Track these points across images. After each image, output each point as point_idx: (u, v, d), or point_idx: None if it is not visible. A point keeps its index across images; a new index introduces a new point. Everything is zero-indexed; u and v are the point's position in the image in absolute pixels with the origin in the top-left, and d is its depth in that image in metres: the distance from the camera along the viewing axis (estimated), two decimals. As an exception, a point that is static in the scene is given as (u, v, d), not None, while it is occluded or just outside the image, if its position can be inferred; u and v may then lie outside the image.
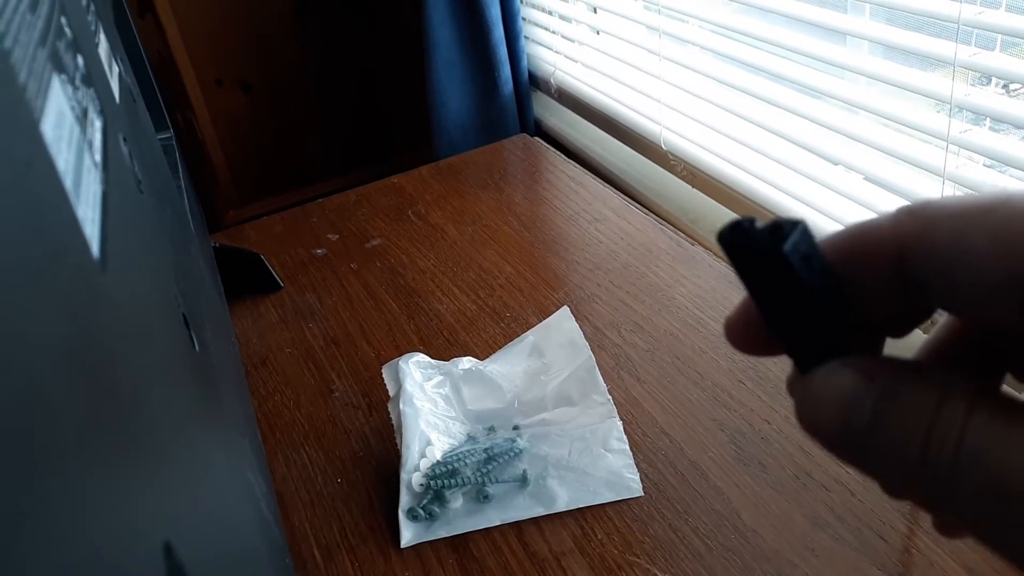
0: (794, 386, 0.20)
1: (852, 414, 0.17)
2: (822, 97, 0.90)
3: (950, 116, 0.74)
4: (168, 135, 0.78)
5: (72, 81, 0.25)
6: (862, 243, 0.19)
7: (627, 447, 0.58)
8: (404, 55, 1.78)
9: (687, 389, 0.64)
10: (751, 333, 0.20)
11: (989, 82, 0.78)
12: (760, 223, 0.18)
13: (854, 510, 0.53)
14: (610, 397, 0.62)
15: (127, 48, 0.70)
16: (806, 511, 0.54)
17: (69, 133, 0.22)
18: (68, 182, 0.20)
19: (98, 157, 0.26)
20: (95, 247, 0.21)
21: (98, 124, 0.28)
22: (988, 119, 0.75)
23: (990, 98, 0.71)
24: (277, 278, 0.85)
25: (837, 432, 0.18)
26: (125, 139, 0.35)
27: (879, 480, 0.18)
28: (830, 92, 0.86)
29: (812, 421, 0.18)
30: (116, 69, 0.43)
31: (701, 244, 0.85)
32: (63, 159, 0.20)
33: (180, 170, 0.72)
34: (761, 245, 0.18)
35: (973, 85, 0.74)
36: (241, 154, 1.84)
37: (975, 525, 0.16)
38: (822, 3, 0.87)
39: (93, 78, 0.31)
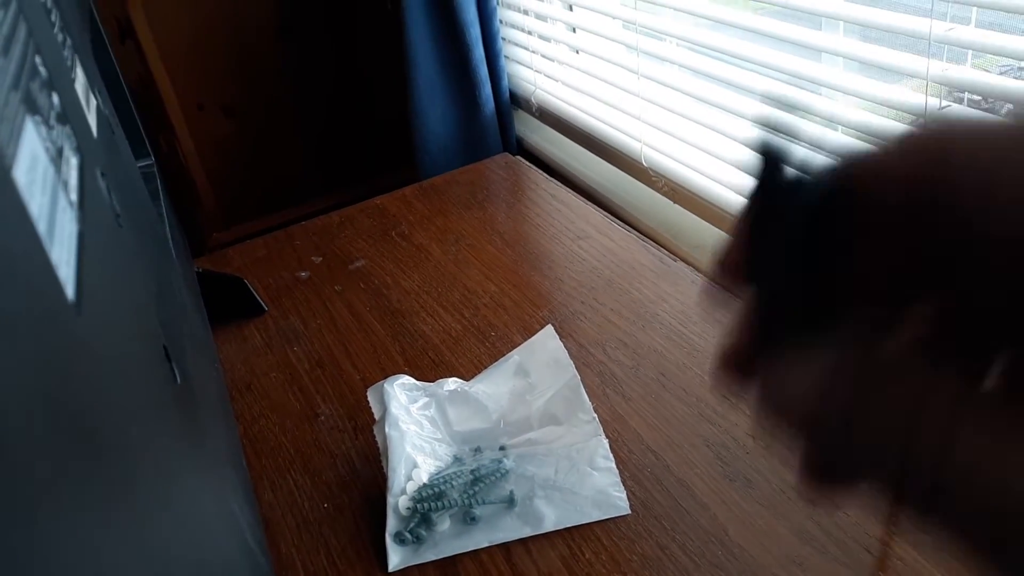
0: (730, 358, 0.20)
1: (828, 401, 0.17)
2: (800, 112, 0.91)
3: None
4: (149, 162, 0.78)
5: (46, 121, 0.26)
6: (874, 174, 0.18)
7: (613, 465, 0.58)
8: (385, 76, 1.78)
9: (672, 405, 0.65)
10: (739, 268, 0.20)
11: (963, 95, 0.79)
12: (790, 168, 0.18)
13: (840, 523, 0.54)
14: (595, 415, 0.62)
15: (106, 76, 0.70)
16: (792, 525, 0.54)
17: (43, 176, 0.22)
18: (42, 227, 0.20)
19: (74, 196, 0.26)
20: (70, 290, 0.21)
21: (74, 162, 0.29)
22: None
23: (963, 111, 0.72)
24: (261, 302, 0.85)
25: (807, 416, 0.17)
26: (103, 174, 0.35)
27: (832, 472, 0.17)
28: (808, 106, 0.87)
29: (780, 397, 0.18)
30: (94, 102, 0.43)
31: (684, 260, 0.85)
32: (36, 203, 0.20)
33: (162, 197, 0.72)
34: (785, 190, 0.18)
35: (946, 99, 0.75)
36: (224, 176, 1.84)
37: (954, 535, 0.16)
38: (797, 19, 0.89)
39: (69, 115, 0.31)
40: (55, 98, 0.29)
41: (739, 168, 0.99)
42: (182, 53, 1.72)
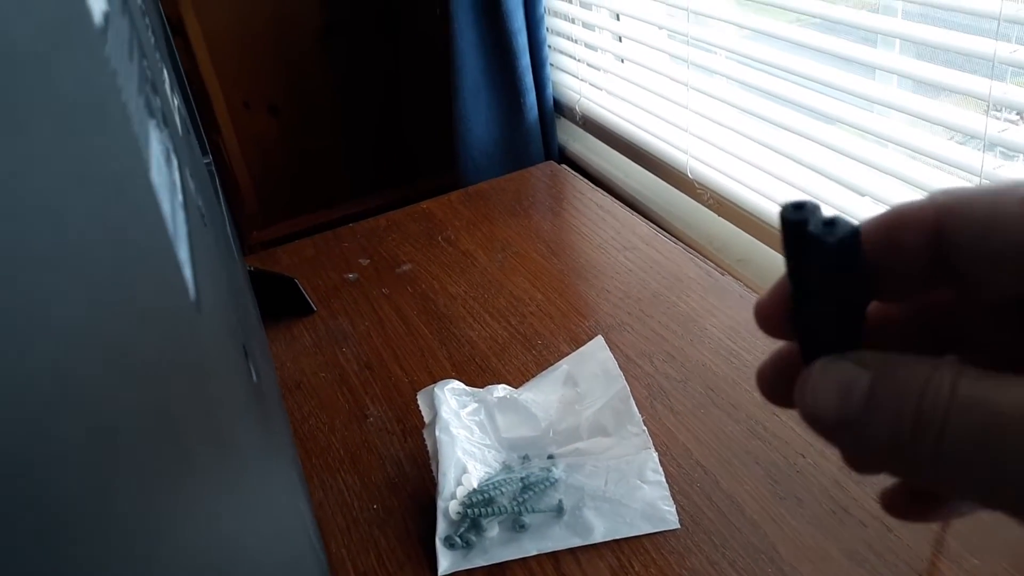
0: (767, 374, 0.22)
1: (848, 396, 0.18)
2: (851, 128, 0.90)
3: (983, 151, 0.74)
4: (208, 160, 0.79)
5: (158, 124, 0.26)
6: (902, 216, 0.20)
7: (663, 479, 0.58)
8: (431, 80, 1.80)
9: (721, 421, 0.65)
10: (776, 316, 0.22)
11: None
12: (821, 213, 0.19)
13: (891, 546, 0.53)
14: (645, 428, 0.62)
15: (174, 69, 0.72)
16: (843, 546, 0.54)
17: (167, 178, 0.23)
18: (171, 227, 0.21)
19: (181, 197, 0.27)
20: (192, 290, 0.21)
21: (176, 163, 0.29)
22: (1022, 155, 0.75)
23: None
24: (311, 302, 0.86)
25: (833, 414, 0.19)
26: (191, 174, 0.36)
27: (867, 457, 0.19)
28: (859, 124, 0.87)
29: (810, 405, 0.19)
30: (175, 103, 0.44)
31: (730, 273, 0.85)
32: (166, 204, 0.21)
33: (219, 195, 0.73)
34: (814, 234, 0.19)
35: (1008, 121, 0.74)
36: (266, 175, 1.86)
37: (966, 477, 0.17)
38: (848, 34, 0.88)
39: (167, 118, 0.32)
40: (158, 101, 0.30)
41: (786, 182, 0.99)
42: (230, 51, 1.75)
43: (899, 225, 0.20)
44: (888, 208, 0.20)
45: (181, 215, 0.25)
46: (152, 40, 0.39)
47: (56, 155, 0.12)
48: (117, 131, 0.17)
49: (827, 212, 0.19)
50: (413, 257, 0.94)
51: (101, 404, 0.12)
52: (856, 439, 0.18)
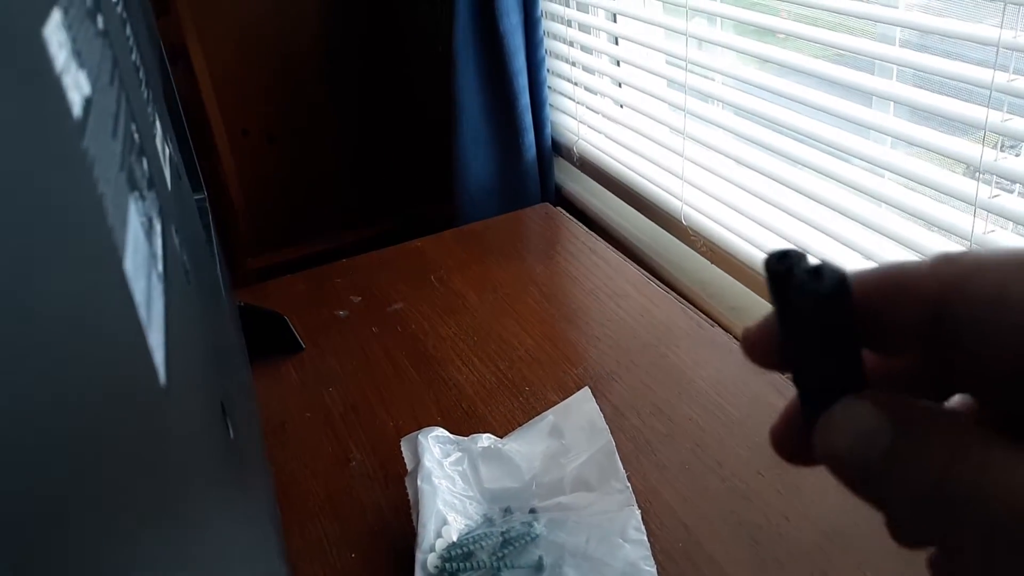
0: (781, 431, 0.22)
1: (872, 445, 0.18)
2: (843, 182, 0.91)
3: (978, 180, 0.74)
4: (202, 196, 0.79)
5: (141, 194, 0.26)
6: (902, 281, 0.20)
7: (645, 537, 0.58)
8: (430, 115, 1.81)
9: (706, 478, 0.64)
10: (766, 350, 0.21)
11: (1021, 148, 0.78)
12: (807, 261, 0.19)
13: (873, 616, 0.53)
14: (628, 484, 0.62)
15: (169, 110, 0.72)
16: (824, 614, 0.53)
17: (143, 258, 0.23)
18: (143, 313, 0.21)
19: (160, 267, 0.27)
20: (162, 374, 0.21)
21: (159, 228, 0.29)
22: (1019, 184, 0.75)
23: (1021, 164, 0.71)
24: (300, 339, 0.85)
25: (856, 460, 0.19)
26: (177, 230, 0.36)
27: (886, 506, 0.19)
28: (852, 180, 0.87)
29: (831, 449, 0.19)
30: (167, 151, 0.44)
31: (719, 323, 0.85)
32: (139, 290, 0.21)
33: (212, 231, 0.73)
34: (800, 282, 0.19)
35: (1003, 150, 0.74)
36: (263, 202, 1.87)
37: (989, 548, 0.17)
38: (846, 62, 0.89)
39: (154, 179, 0.32)
40: (145, 165, 0.30)
41: (778, 233, 0.99)
42: (231, 79, 1.76)
43: (899, 291, 0.20)
44: (887, 266, 0.20)
45: (158, 289, 0.25)
46: (146, 94, 0.39)
47: (23, 260, 0.12)
48: (89, 232, 0.16)
49: (812, 260, 0.19)
50: (405, 296, 0.94)
51: (56, 487, 0.12)
52: (877, 486, 0.18)
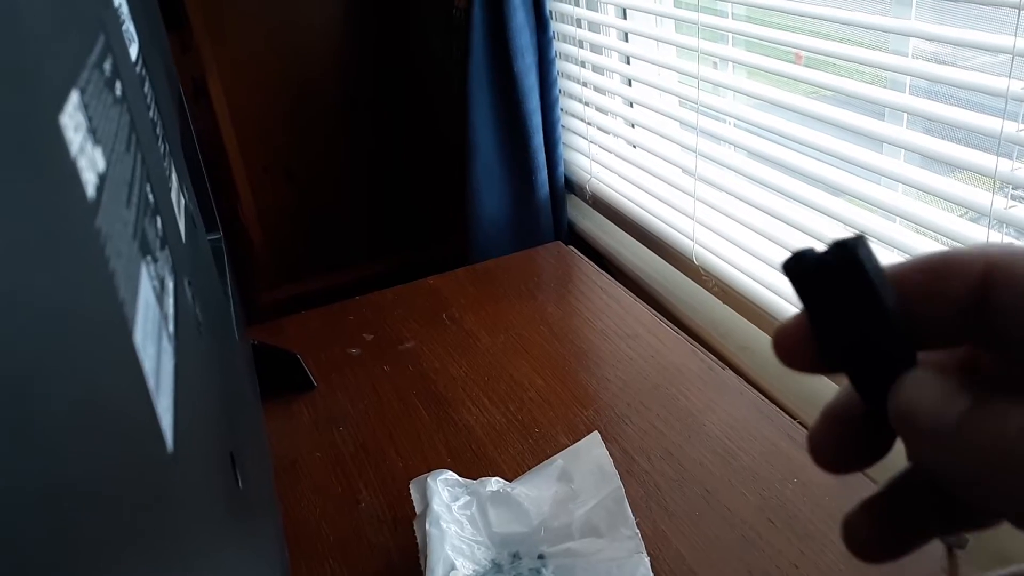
0: (823, 434, 0.21)
1: (950, 403, 0.18)
2: (853, 225, 0.91)
3: (989, 228, 0.73)
4: (217, 236, 0.80)
5: (153, 256, 0.27)
6: (947, 263, 0.19)
7: (653, 586, 0.58)
8: (444, 152, 1.83)
9: (716, 525, 0.64)
10: (803, 348, 0.21)
11: None
12: (818, 250, 0.19)
13: (884, 670, 0.52)
14: (638, 531, 0.61)
15: (186, 151, 0.74)
16: (835, 667, 0.53)
17: (154, 325, 0.23)
18: (152, 382, 0.21)
19: (171, 327, 0.27)
20: (169, 439, 0.22)
21: (171, 286, 0.30)
22: None
23: None
24: (312, 378, 0.86)
25: (936, 419, 0.18)
26: (190, 282, 0.37)
27: (953, 466, 0.18)
28: (862, 224, 0.88)
29: (909, 411, 0.19)
30: (183, 201, 0.45)
31: (728, 362, 0.85)
32: (149, 360, 0.21)
33: (227, 271, 0.74)
34: (833, 261, 0.19)
35: (1013, 198, 0.74)
36: (281, 237, 1.89)
37: None
38: (854, 107, 0.89)
39: (168, 236, 0.33)
40: (159, 224, 0.31)
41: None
42: (251, 116, 1.79)
43: (944, 273, 0.19)
44: (929, 253, 0.20)
45: (168, 352, 0.25)
46: (163, 149, 0.40)
47: (33, 347, 0.13)
48: (99, 313, 0.17)
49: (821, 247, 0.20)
50: (417, 334, 0.95)
51: (56, 555, 0.12)
52: (956, 445, 0.18)
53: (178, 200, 0.42)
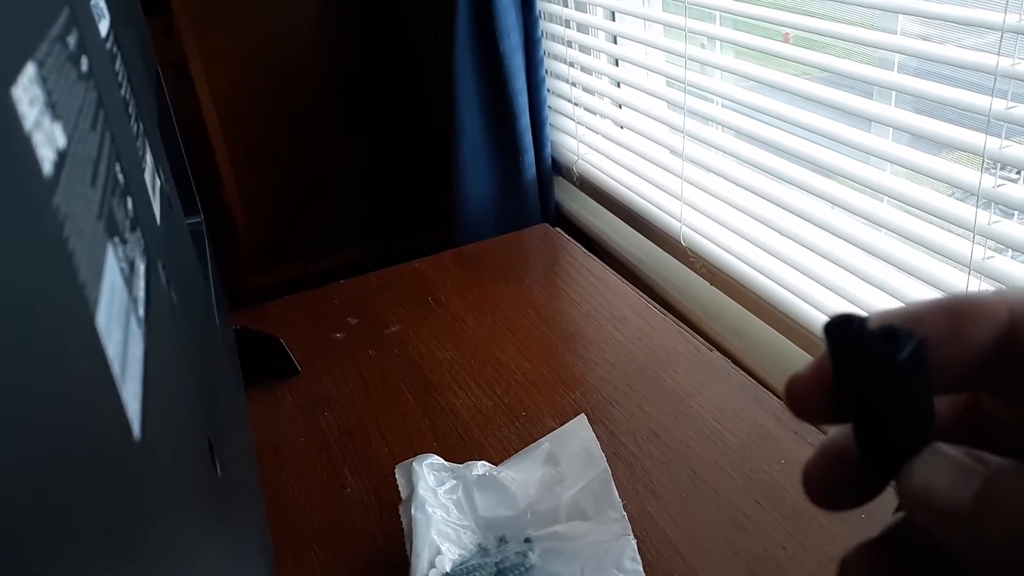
0: (820, 477, 0.21)
1: (966, 482, 0.18)
2: (841, 205, 0.90)
3: (977, 207, 0.73)
4: (198, 220, 0.79)
5: (122, 238, 0.26)
6: (972, 309, 0.19)
7: (640, 568, 0.57)
8: (431, 136, 1.81)
9: (703, 507, 0.64)
10: (817, 404, 0.21)
11: (1019, 174, 0.77)
12: (870, 324, 0.19)
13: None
14: (624, 513, 0.61)
15: (165, 134, 0.72)
16: (822, 648, 0.53)
17: (120, 308, 0.22)
18: (116, 367, 0.20)
19: (142, 311, 0.26)
20: (136, 427, 0.21)
21: (142, 269, 0.29)
22: (1017, 212, 0.74)
23: (1019, 191, 0.71)
24: (296, 363, 0.85)
25: (947, 498, 0.18)
26: (164, 265, 0.36)
27: (972, 547, 0.18)
28: (851, 204, 0.87)
29: (921, 494, 0.19)
30: (158, 183, 0.44)
31: (716, 344, 0.85)
32: (113, 344, 0.21)
33: (208, 256, 0.73)
34: (873, 351, 0.18)
35: (1002, 177, 0.73)
36: (265, 221, 1.87)
37: None
38: (842, 86, 0.88)
39: (140, 216, 0.32)
40: (129, 204, 0.30)
41: (777, 256, 0.99)
42: (234, 99, 1.77)
43: (968, 319, 0.19)
44: (948, 296, 0.20)
45: (138, 336, 0.24)
46: (136, 128, 0.39)
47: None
48: (56, 296, 0.16)
49: (873, 322, 0.19)
50: (402, 318, 0.94)
51: (16, 550, 0.12)
52: (971, 526, 0.18)
53: (153, 182, 0.41)
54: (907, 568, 0.21)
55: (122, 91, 0.37)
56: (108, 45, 0.36)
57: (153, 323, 0.28)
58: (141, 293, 0.27)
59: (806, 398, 0.21)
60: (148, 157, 0.42)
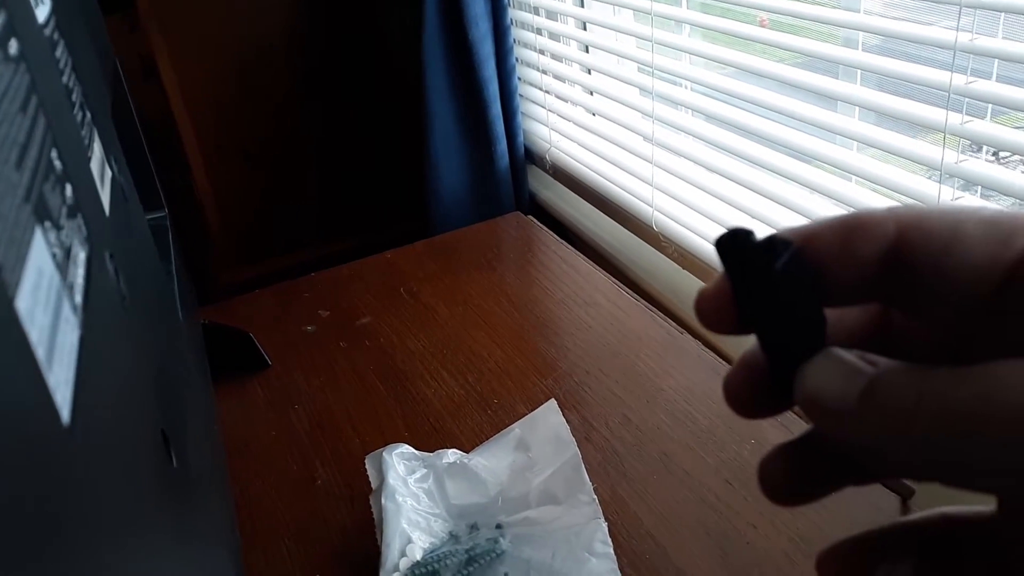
0: (738, 385, 0.22)
1: (853, 381, 0.19)
2: (809, 185, 0.91)
3: (940, 183, 0.74)
4: (162, 214, 0.78)
5: (56, 224, 0.26)
6: (861, 224, 0.20)
7: (611, 551, 0.57)
8: (403, 128, 1.80)
9: (674, 488, 0.64)
10: (722, 317, 0.21)
11: (980, 150, 0.78)
12: (756, 236, 0.20)
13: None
14: (595, 496, 0.61)
15: (124, 124, 0.71)
16: (792, 624, 0.53)
17: (47, 291, 0.22)
18: (41, 352, 0.20)
19: (79, 298, 0.26)
20: (66, 412, 0.21)
21: (82, 256, 0.29)
22: (979, 187, 0.75)
23: (980, 166, 0.71)
24: (266, 356, 0.84)
25: (836, 397, 0.19)
26: (112, 255, 0.35)
27: (860, 441, 0.19)
28: (821, 155, 0.88)
29: (814, 396, 0.20)
30: (109, 174, 0.43)
31: (688, 327, 0.85)
32: (37, 327, 0.20)
33: (172, 249, 0.72)
34: (755, 261, 0.20)
35: (964, 153, 0.74)
36: (237, 217, 1.85)
37: (959, 455, 0.17)
38: (814, 70, 0.88)
39: (82, 204, 0.31)
40: (68, 191, 0.29)
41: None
42: (204, 95, 1.75)
43: (857, 233, 0.20)
44: (840, 215, 0.21)
45: (71, 323, 0.24)
46: (80, 116, 0.38)
47: None
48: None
49: (759, 234, 0.20)
50: (374, 309, 0.94)
51: None
52: (856, 423, 0.19)
53: (102, 172, 0.41)
54: (822, 469, 0.22)
55: (65, 79, 0.36)
56: (48, 32, 0.35)
57: (93, 312, 0.27)
58: (79, 281, 0.27)
59: (711, 311, 0.22)
60: (96, 147, 0.41)
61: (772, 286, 0.20)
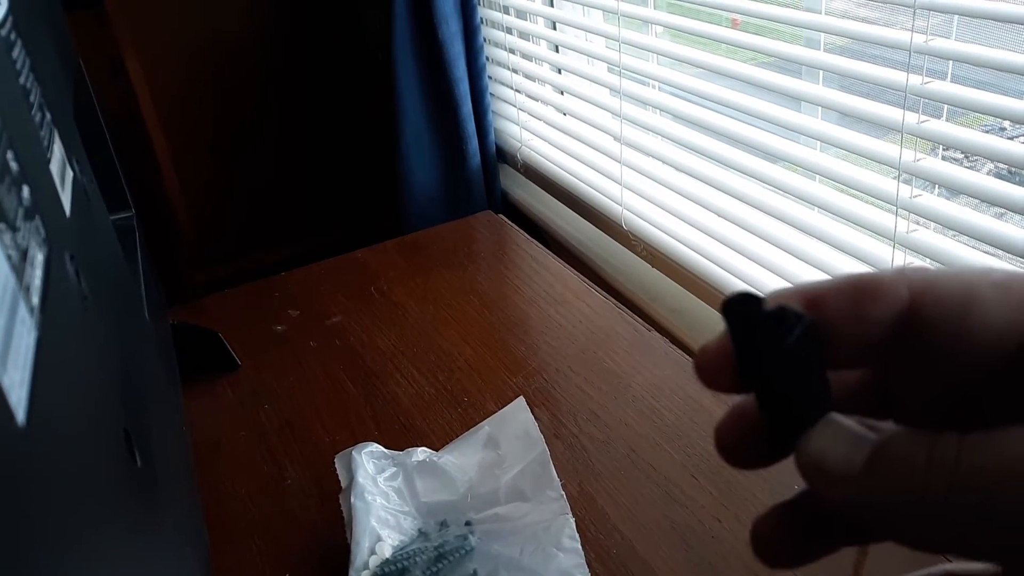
0: (731, 437, 0.22)
1: (858, 449, 0.19)
2: (774, 184, 0.92)
3: (899, 181, 0.75)
4: (128, 215, 0.78)
5: (12, 225, 0.26)
6: (873, 288, 0.20)
7: (579, 546, 0.58)
8: (374, 127, 1.80)
9: (640, 483, 0.65)
10: (722, 375, 0.21)
11: (938, 150, 0.80)
12: (766, 305, 0.20)
13: (802, 614, 0.53)
14: (563, 492, 0.62)
15: (89, 124, 0.71)
16: (755, 614, 0.54)
17: (1, 295, 0.22)
18: (-6, 353, 0.20)
19: (36, 299, 0.26)
20: (21, 413, 0.21)
21: (40, 258, 0.29)
22: (937, 185, 0.77)
23: (938, 165, 0.73)
24: (235, 357, 0.84)
25: (841, 465, 0.19)
26: (72, 256, 0.35)
27: (868, 509, 0.19)
28: (785, 155, 0.89)
29: (816, 457, 0.19)
30: (70, 175, 0.43)
31: (658, 325, 0.86)
32: (-8, 329, 0.20)
33: (139, 249, 0.72)
34: (765, 333, 0.19)
35: (924, 152, 0.75)
36: (207, 217, 1.84)
37: (969, 522, 0.17)
38: (779, 70, 0.90)
39: (40, 205, 0.31)
40: (25, 192, 0.29)
41: (715, 237, 1.00)
42: (172, 93, 1.73)
43: (869, 297, 0.20)
44: (850, 275, 0.21)
45: (27, 324, 0.24)
46: (39, 118, 0.38)
47: None
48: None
49: (769, 302, 0.20)
50: (344, 308, 0.94)
51: None
52: (862, 489, 0.18)
53: (62, 172, 0.41)
54: (817, 531, 0.22)
55: (22, 79, 0.36)
56: (3, 33, 0.35)
57: (51, 313, 0.27)
58: (37, 282, 0.27)
59: (712, 370, 0.21)
60: (57, 148, 0.41)
61: (781, 359, 0.19)
